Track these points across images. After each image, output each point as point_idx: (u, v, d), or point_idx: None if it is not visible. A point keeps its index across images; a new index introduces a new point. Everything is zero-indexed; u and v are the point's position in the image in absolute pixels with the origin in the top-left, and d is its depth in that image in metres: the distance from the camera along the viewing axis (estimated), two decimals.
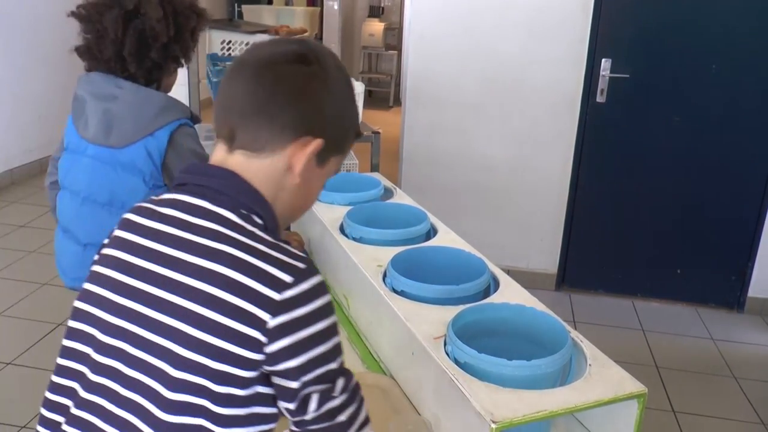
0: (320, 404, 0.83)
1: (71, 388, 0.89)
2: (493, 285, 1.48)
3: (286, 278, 0.80)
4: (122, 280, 0.86)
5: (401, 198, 2.01)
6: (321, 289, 0.84)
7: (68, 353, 0.91)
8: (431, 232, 1.76)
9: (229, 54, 4.54)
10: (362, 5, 8.59)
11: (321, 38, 7.67)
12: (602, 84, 3.29)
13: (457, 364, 1.16)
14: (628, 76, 3.27)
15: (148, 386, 0.82)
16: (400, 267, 1.46)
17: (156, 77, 1.49)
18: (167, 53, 1.46)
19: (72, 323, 0.91)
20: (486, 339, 1.26)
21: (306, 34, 5.93)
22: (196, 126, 1.57)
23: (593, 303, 3.56)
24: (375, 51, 8.43)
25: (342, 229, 1.74)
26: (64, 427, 0.89)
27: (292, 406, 0.83)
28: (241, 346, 0.79)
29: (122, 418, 0.83)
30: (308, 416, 0.84)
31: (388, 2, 8.67)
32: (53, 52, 5.25)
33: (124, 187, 1.44)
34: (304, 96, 0.87)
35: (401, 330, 1.32)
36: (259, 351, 0.79)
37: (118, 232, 0.91)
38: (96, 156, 1.47)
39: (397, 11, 8.42)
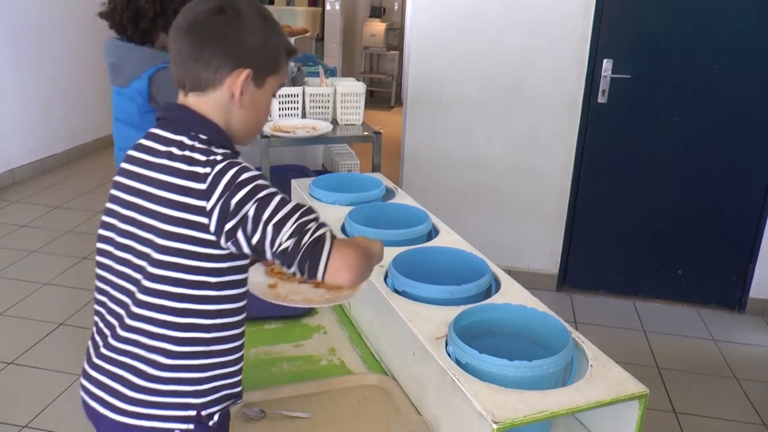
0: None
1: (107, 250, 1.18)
2: (495, 285, 1.48)
3: (206, 170, 1.05)
4: (122, 197, 1.15)
5: (402, 198, 2.01)
6: (231, 165, 1.05)
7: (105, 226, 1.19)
8: (432, 233, 1.76)
9: None
10: (364, 5, 8.60)
11: (322, 38, 7.68)
12: (603, 84, 3.29)
13: (458, 365, 1.16)
14: (629, 76, 3.27)
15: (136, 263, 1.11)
16: (402, 267, 1.46)
17: (149, 39, 2.09)
18: (155, 24, 2.07)
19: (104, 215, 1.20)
20: (487, 339, 1.26)
21: (308, 33, 5.94)
22: None
23: (594, 303, 3.56)
24: (376, 51, 8.43)
25: (343, 229, 1.75)
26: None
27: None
28: (196, 230, 1.05)
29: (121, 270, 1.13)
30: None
31: (389, 2, 8.67)
32: (56, 53, 5.26)
33: (129, 110, 2.11)
34: (225, 39, 1.10)
35: (402, 330, 1.32)
36: (207, 231, 1.04)
37: (122, 164, 1.18)
38: (117, 93, 2.15)
39: (399, 12, 8.42)
